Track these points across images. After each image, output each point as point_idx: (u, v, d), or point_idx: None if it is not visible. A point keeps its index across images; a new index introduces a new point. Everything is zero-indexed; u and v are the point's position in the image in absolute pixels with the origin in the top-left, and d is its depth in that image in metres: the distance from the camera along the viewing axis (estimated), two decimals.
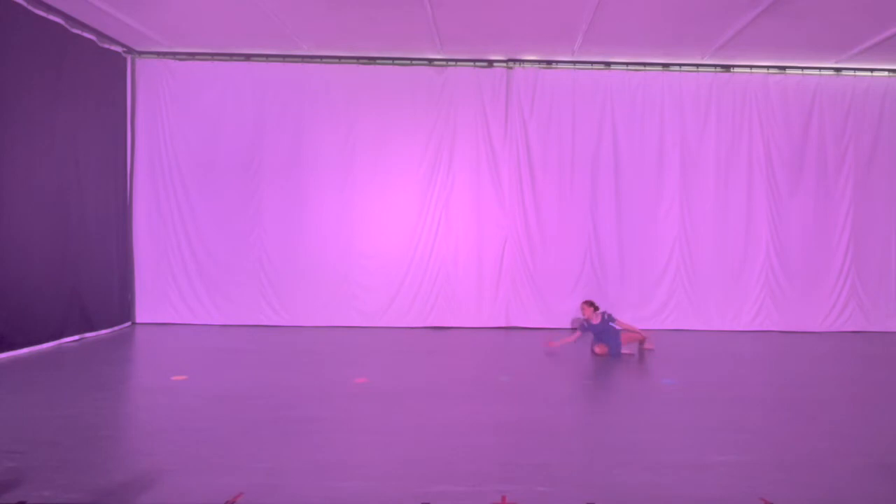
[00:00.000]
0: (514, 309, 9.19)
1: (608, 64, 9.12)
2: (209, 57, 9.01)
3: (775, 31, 7.70)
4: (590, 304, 7.60)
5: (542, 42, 8.39)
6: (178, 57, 8.99)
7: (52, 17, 7.13)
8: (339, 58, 9.01)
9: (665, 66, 9.13)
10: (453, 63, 9.09)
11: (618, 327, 7.33)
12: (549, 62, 9.11)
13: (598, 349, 7.33)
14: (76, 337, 7.70)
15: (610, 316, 7.43)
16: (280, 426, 4.43)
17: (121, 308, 8.69)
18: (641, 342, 7.45)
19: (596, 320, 7.41)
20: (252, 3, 7.10)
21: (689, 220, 9.22)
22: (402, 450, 4.01)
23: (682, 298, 9.19)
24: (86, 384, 5.59)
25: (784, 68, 9.19)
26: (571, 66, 9.11)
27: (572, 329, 7.38)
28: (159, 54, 8.96)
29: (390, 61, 9.06)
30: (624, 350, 7.34)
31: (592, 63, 9.10)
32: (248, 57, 9.01)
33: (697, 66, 9.10)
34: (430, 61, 9.07)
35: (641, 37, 8.07)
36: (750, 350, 7.89)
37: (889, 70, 9.15)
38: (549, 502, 3.22)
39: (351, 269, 9.09)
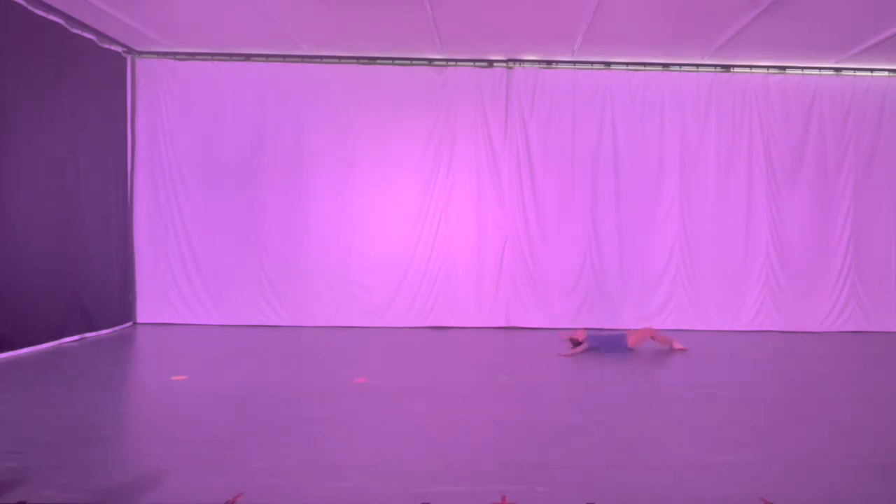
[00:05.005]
0: (514, 309, 9.19)
1: (608, 64, 9.12)
2: (209, 57, 9.01)
3: (775, 31, 7.69)
4: (574, 334, 7.61)
5: (542, 42, 8.39)
6: (178, 57, 9.00)
7: (52, 17, 7.12)
8: (339, 58, 9.01)
9: (665, 66, 9.12)
10: (453, 63, 9.09)
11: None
12: (549, 62, 9.11)
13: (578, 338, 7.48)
14: (77, 337, 7.70)
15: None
16: (280, 426, 4.43)
17: (121, 308, 8.69)
18: (663, 342, 7.69)
19: (583, 335, 7.50)
20: (252, 3, 7.11)
21: (689, 220, 9.22)
22: (402, 450, 4.01)
23: (682, 298, 9.19)
24: (86, 384, 5.59)
25: (784, 68, 9.19)
26: (571, 66, 9.11)
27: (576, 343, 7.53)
28: (159, 54, 8.97)
29: (390, 61, 9.06)
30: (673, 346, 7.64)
31: (592, 63, 9.09)
32: (248, 57, 9.01)
33: (697, 66, 9.10)
34: (430, 61, 9.07)
35: (641, 37, 8.07)
36: (750, 350, 7.89)
37: (889, 70, 9.15)
38: (549, 502, 3.22)
39: (351, 269, 9.09)
